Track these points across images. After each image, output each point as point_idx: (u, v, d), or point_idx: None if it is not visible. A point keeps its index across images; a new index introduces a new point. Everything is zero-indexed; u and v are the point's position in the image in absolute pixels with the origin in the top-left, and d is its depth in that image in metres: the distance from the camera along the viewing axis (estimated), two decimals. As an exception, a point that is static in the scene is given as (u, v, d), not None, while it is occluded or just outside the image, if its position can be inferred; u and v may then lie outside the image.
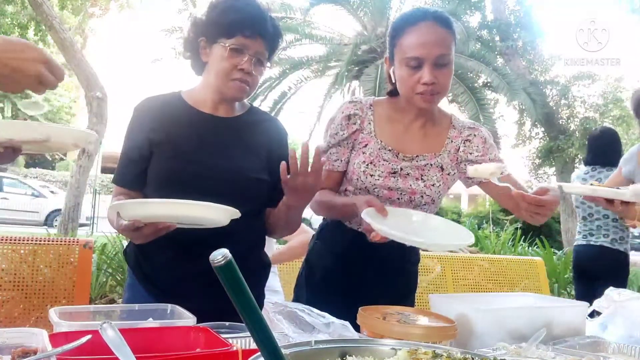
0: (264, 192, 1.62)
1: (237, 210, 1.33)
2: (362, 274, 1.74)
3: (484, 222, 13.50)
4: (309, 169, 1.41)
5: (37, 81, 1.11)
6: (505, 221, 13.36)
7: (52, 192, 17.83)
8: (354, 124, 1.70)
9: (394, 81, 1.67)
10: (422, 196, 1.68)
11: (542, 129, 13.23)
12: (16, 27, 11.12)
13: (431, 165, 1.68)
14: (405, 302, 1.71)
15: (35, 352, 0.92)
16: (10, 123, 1.17)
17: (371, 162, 1.67)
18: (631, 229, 3.90)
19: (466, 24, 10.97)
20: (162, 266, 1.57)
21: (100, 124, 8.78)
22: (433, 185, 1.67)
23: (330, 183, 1.75)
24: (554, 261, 6.78)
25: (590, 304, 1.60)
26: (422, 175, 1.67)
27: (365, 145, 1.69)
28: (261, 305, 1.42)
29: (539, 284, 3.75)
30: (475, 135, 1.72)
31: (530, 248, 8.36)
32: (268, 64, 1.63)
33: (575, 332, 1.43)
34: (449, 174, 1.70)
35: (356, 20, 11.13)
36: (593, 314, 1.62)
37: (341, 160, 1.72)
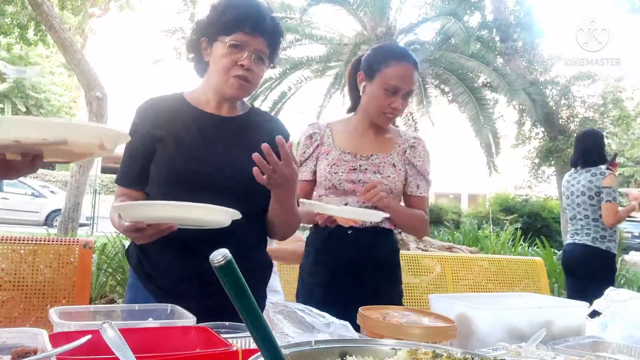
0: (265, 191, 1.62)
1: (238, 212, 1.33)
2: (344, 269, 1.93)
3: (484, 222, 13.50)
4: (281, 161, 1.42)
5: None
6: (505, 221, 13.37)
7: (52, 192, 17.82)
8: (315, 140, 2.05)
9: (361, 94, 2.00)
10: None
11: (542, 129, 13.23)
12: (16, 27, 11.09)
13: (385, 162, 2.00)
14: (393, 290, 2.01)
15: (35, 352, 0.92)
16: (16, 120, 0.95)
17: (334, 164, 1.99)
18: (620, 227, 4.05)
19: (466, 24, 10.93)
20: (163, 266, 1.57)
21: (100, 124, 8.73)
22: (388, 177, 1.98)
23: (301, 193, 1.99)
24: (554, 261, 6.78)
25: (589, 302, 1.60)
26: (378, 170, 1.98)
27: (328, 154, 2.02)
28: (263, 306, 1.42)
29: (539, 284, 3.76)
30: (419, 144, 2.05)
31: (530, 248, 8.37)
32: (271, 64, 1.63)
33: (575, 332, 1.43)
34: (400, 169, 2.01)
35: (356, 20, 11.09)
36: (593, 314, 1.62)
37: (307, 172, 2.03)
